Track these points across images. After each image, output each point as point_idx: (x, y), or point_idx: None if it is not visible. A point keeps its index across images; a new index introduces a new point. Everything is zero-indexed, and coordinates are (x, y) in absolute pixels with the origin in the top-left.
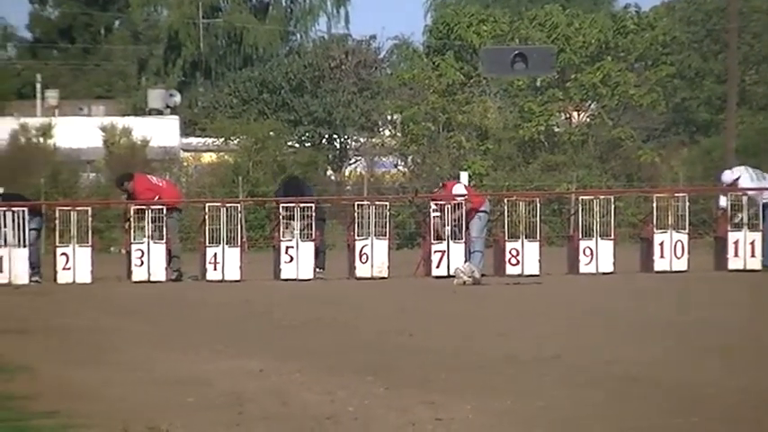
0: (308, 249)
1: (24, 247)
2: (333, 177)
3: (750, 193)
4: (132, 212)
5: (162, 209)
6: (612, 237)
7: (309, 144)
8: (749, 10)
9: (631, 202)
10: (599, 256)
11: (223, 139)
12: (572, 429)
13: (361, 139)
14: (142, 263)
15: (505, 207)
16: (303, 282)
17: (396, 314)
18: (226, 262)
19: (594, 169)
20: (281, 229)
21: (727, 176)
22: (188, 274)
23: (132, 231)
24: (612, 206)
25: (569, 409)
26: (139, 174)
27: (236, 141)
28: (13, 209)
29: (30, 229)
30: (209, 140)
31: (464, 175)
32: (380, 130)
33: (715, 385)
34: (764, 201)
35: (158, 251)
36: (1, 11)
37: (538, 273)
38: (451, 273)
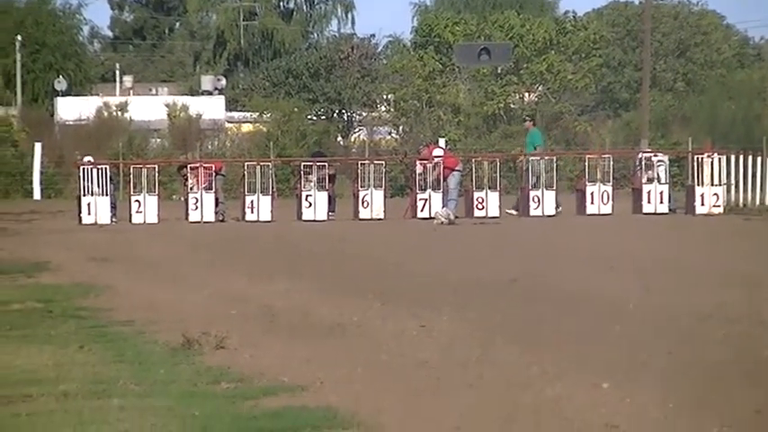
0: (323, 197)
1: (106, 195)
2: (342, 143)
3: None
4: (189, 170)
5: (212, 169)
6: (554, 188)
7: (324, 117)
8: (659, 15)
9: (569, 161)
10: (544, 202)
11: (258, 113)
12: (520, 337)
13: (363, 114)
14: (197, 207)
15: (473, 166)
16: (319, 222)
17: (390, 247)
18: (260, 207)
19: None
20: (303, 182)
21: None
22: (231, 216)
23: (189, 184)
24: (555, 165)
25: (520, 322)
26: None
27: (268, 115)
28: (98, 166)
29: (110, 182)
30: (248, 114)
31: (442, 141)
32: (378, 106)
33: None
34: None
35: (209, 199)
36: (89, 15)
37: (498, 215)
38: (432, 215)
